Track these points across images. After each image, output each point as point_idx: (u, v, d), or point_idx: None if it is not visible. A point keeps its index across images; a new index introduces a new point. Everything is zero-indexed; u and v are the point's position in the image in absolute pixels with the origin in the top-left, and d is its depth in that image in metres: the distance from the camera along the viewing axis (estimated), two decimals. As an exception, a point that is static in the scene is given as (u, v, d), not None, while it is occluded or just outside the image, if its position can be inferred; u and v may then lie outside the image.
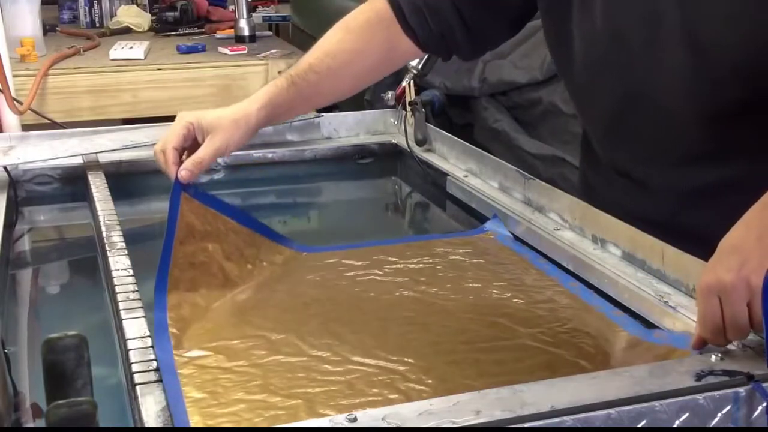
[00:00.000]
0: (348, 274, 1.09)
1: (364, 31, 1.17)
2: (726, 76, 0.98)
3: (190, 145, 1.10)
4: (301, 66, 1.16)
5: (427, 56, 1.53)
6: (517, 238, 1.20)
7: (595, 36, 1.06)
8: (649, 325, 0.93)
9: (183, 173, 1.05)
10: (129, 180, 1.47)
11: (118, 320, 0.90)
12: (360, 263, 1.12)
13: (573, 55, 1.10)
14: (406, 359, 0.87)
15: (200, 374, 0.83)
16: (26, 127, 1.75)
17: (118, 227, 1.13)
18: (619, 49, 1.05)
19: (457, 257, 1.15)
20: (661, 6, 0.99)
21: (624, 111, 1.09)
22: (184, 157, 1.09)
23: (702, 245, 0.89)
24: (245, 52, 2.31)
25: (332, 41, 1.18)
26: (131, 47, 2.25)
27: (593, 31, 1.06)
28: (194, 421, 0.75)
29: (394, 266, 1.11)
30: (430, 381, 0.83)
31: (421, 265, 1.12)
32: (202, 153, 1.08)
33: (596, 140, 1.18)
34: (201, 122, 1.09)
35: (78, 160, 1.43)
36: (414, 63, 1.55)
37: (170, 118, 1.83)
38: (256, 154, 1.57)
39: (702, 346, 0.80)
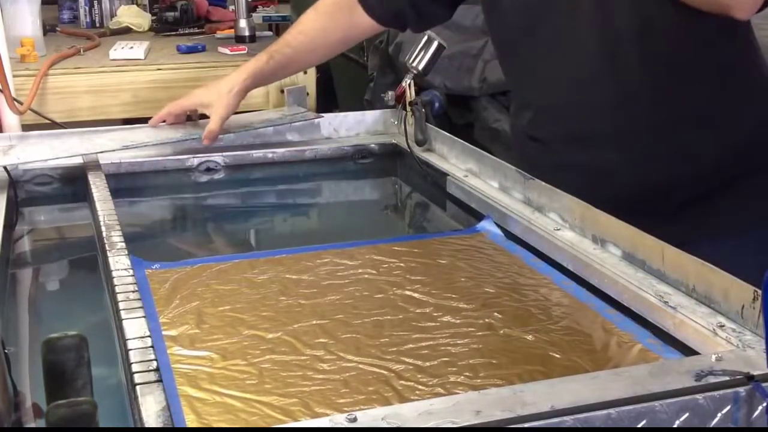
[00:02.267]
0: (342, 273, 1.09)
1: (330, 12, 1.46)
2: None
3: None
4: (280, 42, 1.52)
5: (428, 56, 1.53)
6: (515, 237, 1.20)
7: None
8: (648, 325, 0.93)
9: (206, 141, 1.45)
10: (129, 180, 1.47)
11: (118, 320, 0.90)
12: (353, 262, 1.12)
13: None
14: (400, 358, 0.87)
15: (195, 373, 0.84)
16: (26, 127, 1.75)
17: (118, 227, 1.13)
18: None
19: (450, 256, 1.15)
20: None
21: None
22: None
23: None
24: (245, 52, 2.30)
25: (304, 21, 1.49)
26: (131, 47, 2.25)
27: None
28: (189, 420, 0.75)
29: (388, 265, 1.11)
30: (424, 379, 0.84)
31: (414, 264, 1.12)
32: (212, 125, 1.44)
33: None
34: (200, 101, 1.48)
35: (78, 160, 1.43)
36: (414, 63, 1.55)
37: (170, 118, 1.84)
38: (256, 154, 1.57)
39: None
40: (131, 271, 1.00)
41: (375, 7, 1.41)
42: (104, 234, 1.11)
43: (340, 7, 1.45)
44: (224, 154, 1.55)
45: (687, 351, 0.87)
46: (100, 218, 1.16)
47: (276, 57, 1.47)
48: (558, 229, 1.14)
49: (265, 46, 2.38)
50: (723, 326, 0.86)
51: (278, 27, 3.77)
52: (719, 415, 0.71)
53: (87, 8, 2.79)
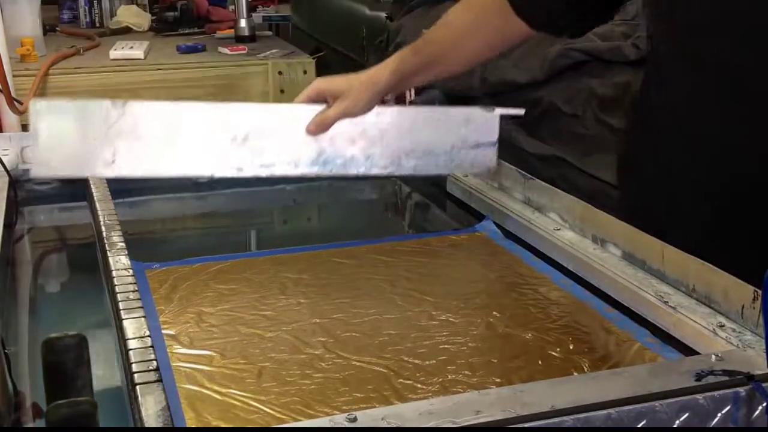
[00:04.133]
0: (341, 272, 1.10)
1: (478, 8, 1.22)
2: None
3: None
4: (424, 38, 1.23)
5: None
6: (514, 237, 1.20)
7: None
8: (648, 324, 0.93)
9: (310, 127, 1.14)
10: (129, 180, 1.47)
11: (118, 320, 0.90)
12: (352, 261, 1.12)
13: None
14: (399, 356, 0.88)
15: (195, 372, 0.84)
16: (26, 127, 1.75)
17: (118, 227, 1.13)
18: None
19: (450, 256, 1.16)
20: None
21: None
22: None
23: None
24: (245, 52, 2.31)
25: (451, 15, 1.24)
26: (131, 47, 2.25)
27: None
28: (189, 419, 0.76)
29: (387, 264, 1.12)
30: (423, 378, 0.84)
31: (413, 263, 1.12)
32: (330, 112, 1.14)
33: None
34: (331, 86, 1.16)
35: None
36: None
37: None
38: (256, 154, 1.56)
39: None
40: (131, 271, 1.00)
41: (527, 11, 1.18)
42: (104, 234, 1.11)
43: (489, 4, 1.21)
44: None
45: (687, 351, 0.87)
46: (100, 218, 1.16)
47: (422, 52, 1.21)
48: (558, 229, 1.14)
49: (265, 46, 2.40)
50: (723, 326, 0.86)
51: (278, 27, 3.77)
52: (719, 415, 0.71)
53: (87, 8, 2.79)
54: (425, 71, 1.23)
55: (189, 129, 1.09)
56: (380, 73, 1.17)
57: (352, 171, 1.18)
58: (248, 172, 1.12)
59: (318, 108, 1.13)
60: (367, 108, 1.15)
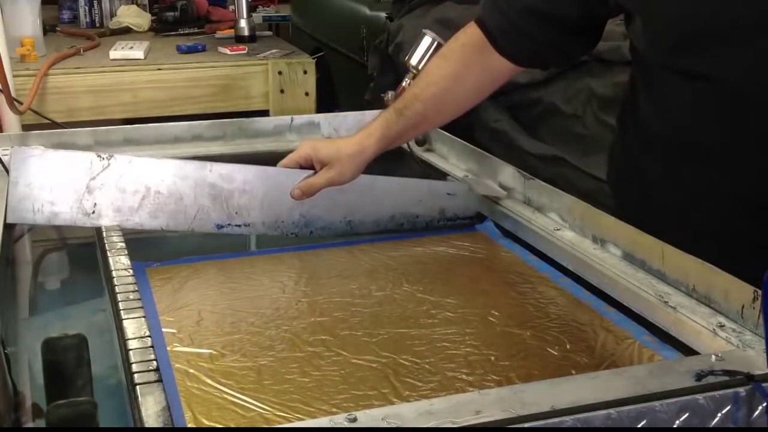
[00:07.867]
0: (341, 271, 1.10)
1: (459, 56, 1.22)
2: None
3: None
4: (407, 97, 1.24)
5: (428, 56, 1.53)
6: (514, 237, 1.20)
7: None
8: (648, 324, 0.93)
9: (295, 192, 1.15)
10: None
11: (118, 320, 0.90)
12: (353, 260, 1.13)
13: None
14: (398, 354, 0.88)
15: (195, 370, 0.84)
16: (26, 127, 1.75)
17: (118, 227, 1.13)
18: None
19: (448, 255, 1.16)
20: None
21: None
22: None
23: None
24: (245, 52, 2.31)
25: (432, 70, 1.25)
26: (131, 47, 2.25)
27: None
28: (188, 417, 0.76)
29: (386, 264, 1.12)
30: (422, 375, 0.84)
31: (413, 261, 1.13)
32: (316, 180, 1.16)
33: None
34: (319, 154, 1.17)
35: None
36: (414, 63, 1.55)
37: (170, 118, 1.85)
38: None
39: None
40: (131, 271, 1.00)
41: (508, 48, 1.19)
42: (104, 234, 1.11)
43: (470, 50, 1.21)
44: (224, 154, 1.54)
45: (687, 350, 0.87)
46: (100, 218, 1.16)
47: (406, 114, 1.21)
48: (558, 229, 1.14)
49: (265, 46, 2.40)
50: (723, 326, 0.86)
51: (278, 27, 3.77)
52: (719, 415, 0.71)
53: (87, 8, 2.79)
54: (412, 131, 1.25)
55: (172, 185, 1.11)
56: (367, 141, 1.18)
57: (332, 234, 1.20)
58: (228, 230, 1.14)
59: (303, 173, 1.15)
60: (353, 176, 1.18)
